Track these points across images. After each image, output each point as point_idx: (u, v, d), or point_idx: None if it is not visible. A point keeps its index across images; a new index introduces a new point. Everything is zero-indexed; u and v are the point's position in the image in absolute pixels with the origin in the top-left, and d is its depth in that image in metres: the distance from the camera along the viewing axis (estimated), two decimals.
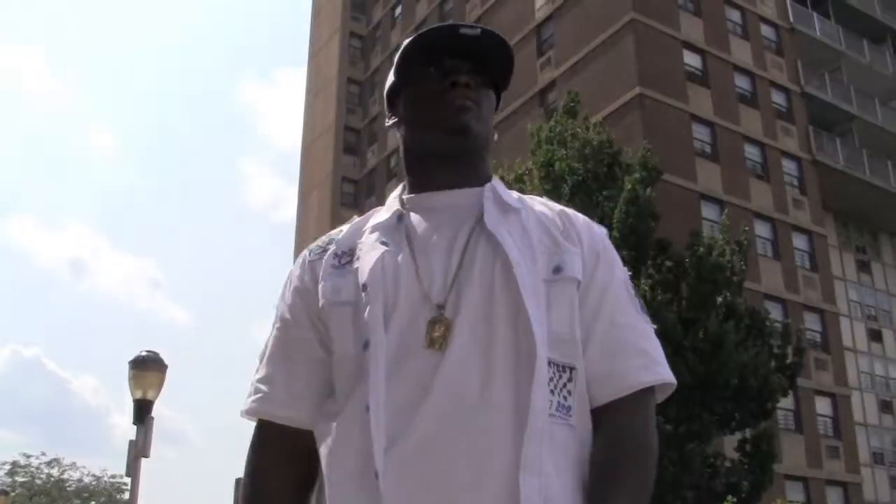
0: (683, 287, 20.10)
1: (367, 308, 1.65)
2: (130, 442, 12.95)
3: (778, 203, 34.74)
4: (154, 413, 13.04)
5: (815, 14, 40.15)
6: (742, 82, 35.95)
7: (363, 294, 1.67)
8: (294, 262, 1.89)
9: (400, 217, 1.79)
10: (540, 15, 37.68)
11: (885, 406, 38.53)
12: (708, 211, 31.18)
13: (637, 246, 19.67)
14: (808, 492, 31.19)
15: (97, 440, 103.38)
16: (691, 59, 34.33)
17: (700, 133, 33.33)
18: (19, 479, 46.83)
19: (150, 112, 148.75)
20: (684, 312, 19.60)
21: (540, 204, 1.87)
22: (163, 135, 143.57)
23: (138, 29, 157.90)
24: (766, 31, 37.99)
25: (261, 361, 1.85)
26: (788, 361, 21.12)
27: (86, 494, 48.32)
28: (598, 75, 32.51)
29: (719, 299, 20.05)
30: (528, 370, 1.60)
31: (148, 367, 13.04)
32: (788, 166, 36.20)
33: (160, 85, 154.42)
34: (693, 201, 30.94)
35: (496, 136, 1.95)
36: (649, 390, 1.75)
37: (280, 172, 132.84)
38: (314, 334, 1.77)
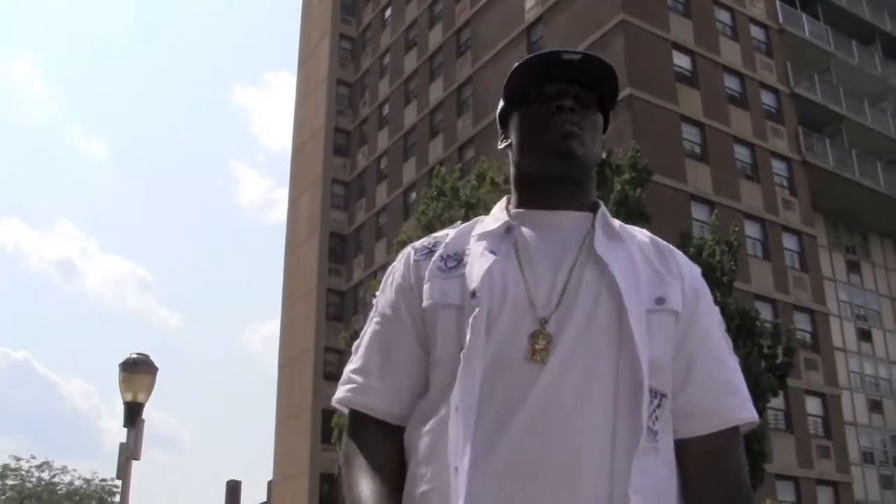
0: None
1: (473, 313, 1.68)
2: (121, 445, 12.89)
3: (768, 203, 34.81)
4: (144, 416, 13.00)
5: (804, 15, 40.24)
6: (731, 83, 36.03)
7: (471, 300, 1.70)
8: (397, 259, 1.93)
9: (509, 228, 1.83)
10: (530, 16, 37.69)
11: (874, 406, 38.61)
12: (698, 212, 31.23)
13: None
14: (799, 491, 31.25)
15: (87, 443, 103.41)
16: (681, 60, 34.40)
17: (690, 134, 33.40)
18: (10, 482, 46.80)
19: (141, 115, 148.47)
20: None
21: (641, 234, 1.92)
22: (153, 138, 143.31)
23: (130, 33, 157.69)
24: (755, 31, 38.06)
25: (356, 353, 1.89)
26: (779, 361, 21.14)
27: (77, 498, 48.27)
28: None
29: None
30: (627, 393, 1.66)
31: (138, 370, 12.99)
32: (778, 167, 36.27)
33: (151, 88, 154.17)
34: (683, 202, 31.00)
35: (603, 155, 2.00)
36: (738, 426, 1.85)
37: (271, 174, 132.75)
38: (414, 331, 1.81)
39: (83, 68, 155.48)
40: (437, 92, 43.37)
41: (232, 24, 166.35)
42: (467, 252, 1.81)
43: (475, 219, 1.96)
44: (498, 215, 1.90)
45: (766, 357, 20.71)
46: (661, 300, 1.76)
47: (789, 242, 35.31)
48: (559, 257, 1.77)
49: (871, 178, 39.47)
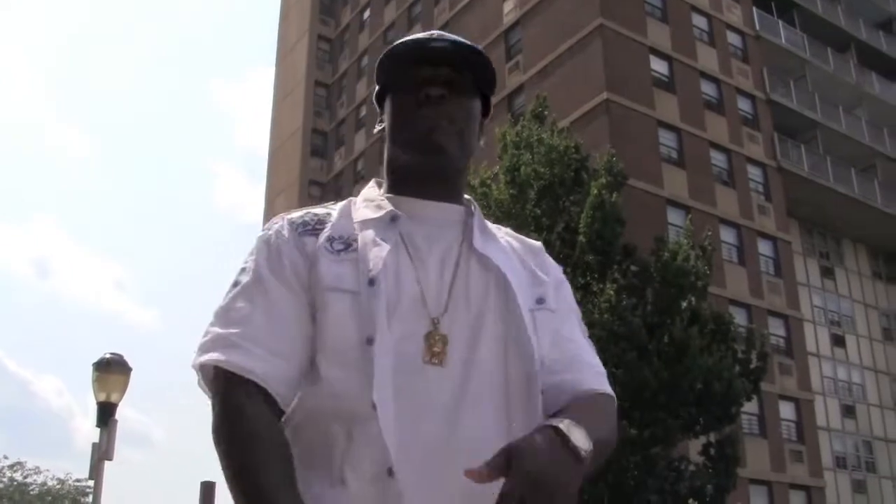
0: (649, 292, 20.19)
1: (373, 303, 1.61)
2: (93, 445, 12.82)
3: (743, 209, 34.99)
4: (118, 415, 12.92)
5: (780, 22, 40.48)
6: (708, 89, 36.19)
7: (369, 288, 1.62)
8: (272, 227, 1.77)
9: (393, 218, 1.74)
10: (508, 19, 37.75)
11: (847, 411, 38.85)
12: (674, 216, 31.31)
13: (603, 251, 19.78)
14: (772, 496, 31.39)
15: (61, 443, 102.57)
16: (658, 65, 34.53)
17: (666, 139, 33.52)
18: None
19: (119, 112, 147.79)
20: (649, 317, 19.69)
21: (507, 234, 1.90)
22: (132, 135, 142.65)
23: (111, 29, 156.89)
24: (732, 38, 38.26)
25: (220, 315, 1.69)
26: (752, 366, 21.21)
27: (49, 498, 47.85)
28: (566, 80, 32.61)
29: (684, 304, 20.14)
30: (519, 390, 1.66)
31: (112, 370, 12.91)
32: (754, 172, 36.47)
33: (131, 85, 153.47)
34: (659, 206, 31.10)
35: (482, 142, 1.92)
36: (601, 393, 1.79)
37: (247, 173, 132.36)
38: (308, 309, 1.66)
39: (64, 62, 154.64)
40: None
41: (214, 20, 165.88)
42: (355, 237, 1.71)
43: (348, 199, 1.86)
44: (377, 201, 1.80)
45: (739, 362, 20.78)
46: (540, 300, 1.76)
47: (764, 248, 35.52)
48: (443, 252, 1.73)
49: (845, 184, 39.72)
